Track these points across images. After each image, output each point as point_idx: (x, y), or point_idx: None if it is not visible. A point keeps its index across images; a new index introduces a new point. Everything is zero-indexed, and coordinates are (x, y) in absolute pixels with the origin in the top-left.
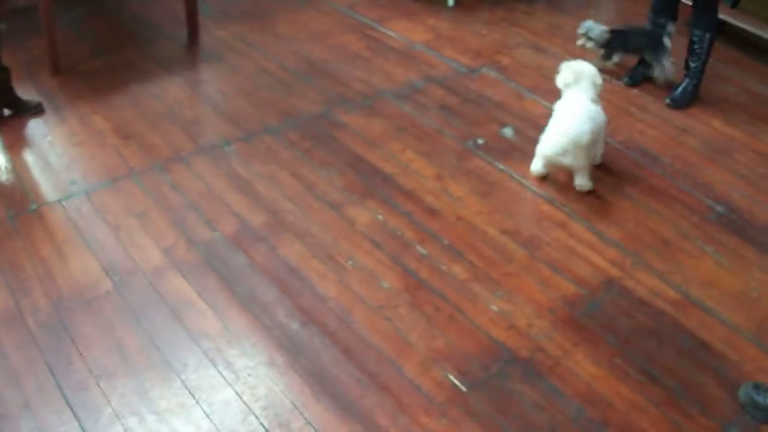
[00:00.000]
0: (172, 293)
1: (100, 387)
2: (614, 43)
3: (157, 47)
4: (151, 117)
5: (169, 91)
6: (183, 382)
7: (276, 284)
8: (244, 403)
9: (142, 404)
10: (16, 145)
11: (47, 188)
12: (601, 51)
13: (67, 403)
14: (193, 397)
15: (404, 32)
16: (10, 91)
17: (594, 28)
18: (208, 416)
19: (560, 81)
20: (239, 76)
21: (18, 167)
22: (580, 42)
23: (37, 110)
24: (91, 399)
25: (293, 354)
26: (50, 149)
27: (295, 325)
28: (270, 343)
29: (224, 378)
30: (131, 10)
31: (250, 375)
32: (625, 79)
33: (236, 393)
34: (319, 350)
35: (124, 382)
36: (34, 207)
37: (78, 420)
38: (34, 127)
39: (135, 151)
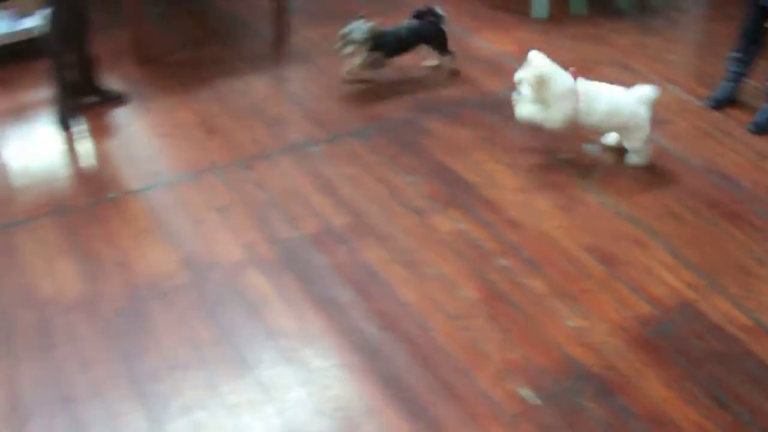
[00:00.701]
0: (250, 289)
1: (171, 378)
2: (386, 44)
3: (243, 44)
4: (236, 113)
5: (254, 87)
6: (256, 378)
7: (355, 287)
8: (316, 403)
9: (212, 398)
10: (100, 133)
11: (128, 177)
12: (369, 55)
13: (137, 391)
14: (265, 393)
15: (492, 42)
16: (96, 79)
17: (357, 29)
18: (279, 414)
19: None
20: (326, 77)
21: (100, 155)
22: (338, 46)
23: (120, 99)
24: (162, 389)
25: (368, 357)
26: (133, 139)
27: (371, 329)
28: (345, 345)
29: (298, 377)
30: (218, 6)
31: (323, 375)
32: (709, 101)
33: (309, 393)
34: (394, 355)
35: (196, 375)
36: (113, 195)
37: (146, 409)
38: (118, 116)
39: (219, 146)
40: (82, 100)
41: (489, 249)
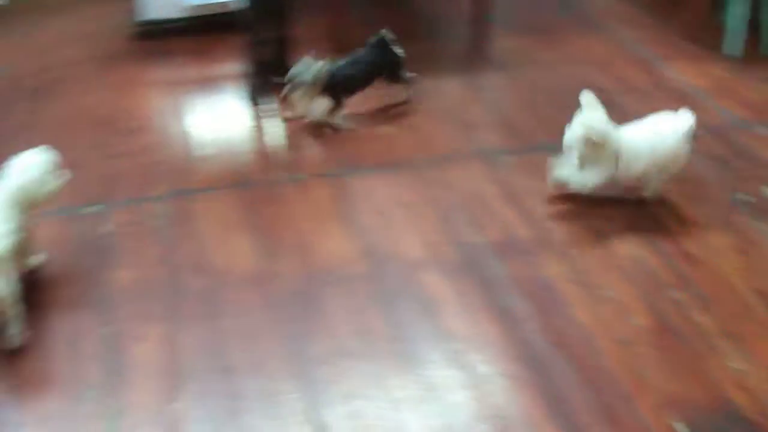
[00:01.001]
0: (427, 288)
1: (336, 365)
2: (339, 84)
3: (442, 45)
4: (431, 112)
5: (450, 90)
6: (421, 376)
7: (530, 300)
8: (477, 408)
9: (376, 389)
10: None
11: (312, 162)
12: (322, 99)
13: (299, 373)
14: (429, 392)
15: (683, 74)
16: (288, 60)
17: (305, 69)
18: (439, 414)
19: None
20: (520, 88)
21: (286, 135)
22: (285, 90)
23: None
24: (326, 374)
25: (534, 370)
26: (320, 124)
27: (541, 343)
28: (513, 355)
29: (462, 380)
30: (420, 4)
31: (488, 382)
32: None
33: (471, 397)
34: (560, 372)
35: (362, 365)
36: (302, 177)
37: (306, 391)
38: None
39: (412, 142)
40: (273, 79)
41: (664, 279)
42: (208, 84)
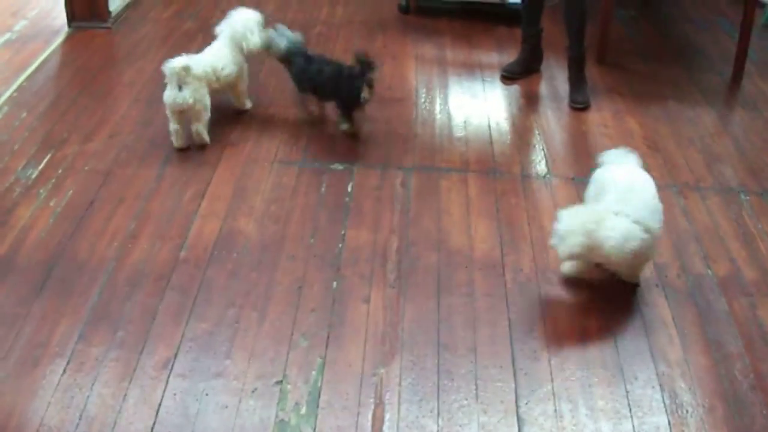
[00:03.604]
0: (649, 308)
1: (549, 363)
2: (303, 73)
3: (699, 73)
4: (681, 138)
5: (702, 120)
6: (626, 392)
7: (743, 340)
8: None
9: (581, 395)
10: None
11: (564, 164)
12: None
13: (513, 364)
14: (629, 409)
15: None
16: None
17: (281, 35)
18: None
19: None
20: None
21: (540, 132)
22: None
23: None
24: (537, 370)
25: (731, 409)
26: (573, 129)
27: (744, 384)
28: (717, 389)
29: (664, 405)
30: (683, 29)
31: (687, 412)
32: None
33: (668, 423)
34: (755, 416)
35: (573, 369)
36: (547, 176)
37: (516, 382)
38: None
39: (658, 165)
40: (525, 75)
41: None
42: (470, 69)
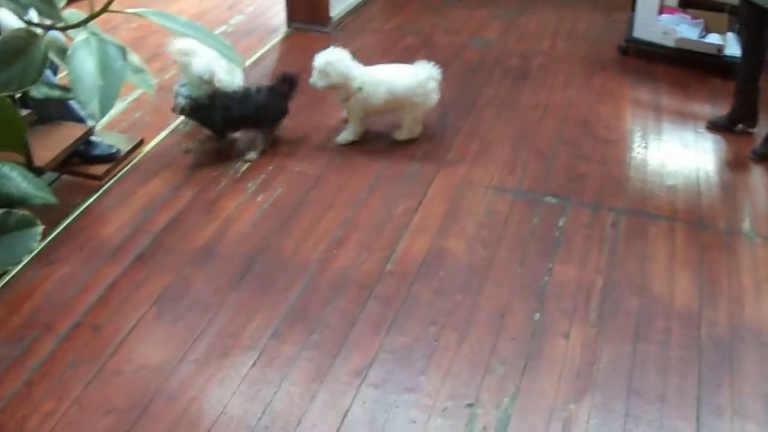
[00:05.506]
0: None
1: (732, 421)
2: (212, 118)
3: None
4: None
5: None
6: None
7: None
8: None
9: None
10: (737, 165)
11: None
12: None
13: (697, 418)
14: None
15: None
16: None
17: (188, 87)
18: None
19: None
20: None
21: (750, 194)
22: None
23: None
24: (720, 427)
25: None
26: None
27: None
28: None
29: None
30: None
31: None
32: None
33: None
34: None
35: (754, 430)
36: (750, 234)
37: None
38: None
39: None
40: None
41: None
42: (683, 117)
